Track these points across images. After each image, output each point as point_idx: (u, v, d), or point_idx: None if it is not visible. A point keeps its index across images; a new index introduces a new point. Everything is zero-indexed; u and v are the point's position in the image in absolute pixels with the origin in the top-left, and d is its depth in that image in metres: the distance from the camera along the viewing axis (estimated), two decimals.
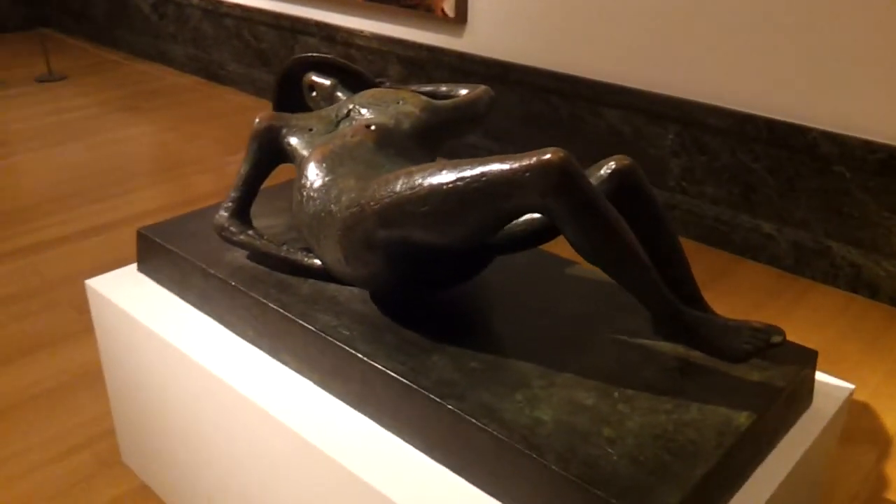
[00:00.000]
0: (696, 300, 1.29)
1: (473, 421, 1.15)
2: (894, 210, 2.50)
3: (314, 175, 1.34)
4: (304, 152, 1.45)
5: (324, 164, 1.34)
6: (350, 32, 3.96)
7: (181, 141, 3.96)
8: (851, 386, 1.43)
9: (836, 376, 1.46)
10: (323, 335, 1.33)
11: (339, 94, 1.64)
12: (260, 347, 1.47)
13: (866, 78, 2.46)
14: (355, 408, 1.31)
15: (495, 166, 1.06)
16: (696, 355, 1.28)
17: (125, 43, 5.59)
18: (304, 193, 1.34)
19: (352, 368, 1.30)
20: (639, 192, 1.21)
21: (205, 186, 3.41)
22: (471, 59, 3.47)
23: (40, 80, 4.77)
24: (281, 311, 1.40)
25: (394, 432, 1.26)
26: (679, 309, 1.15)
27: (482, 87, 1.68)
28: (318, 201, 1.31)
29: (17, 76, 4.96)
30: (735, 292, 2.67)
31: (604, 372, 1.25)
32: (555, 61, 3.21)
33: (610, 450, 1.10)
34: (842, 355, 2.32)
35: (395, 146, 1.40)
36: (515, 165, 1.05)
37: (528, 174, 1.03)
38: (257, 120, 1.50)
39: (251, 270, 1.52)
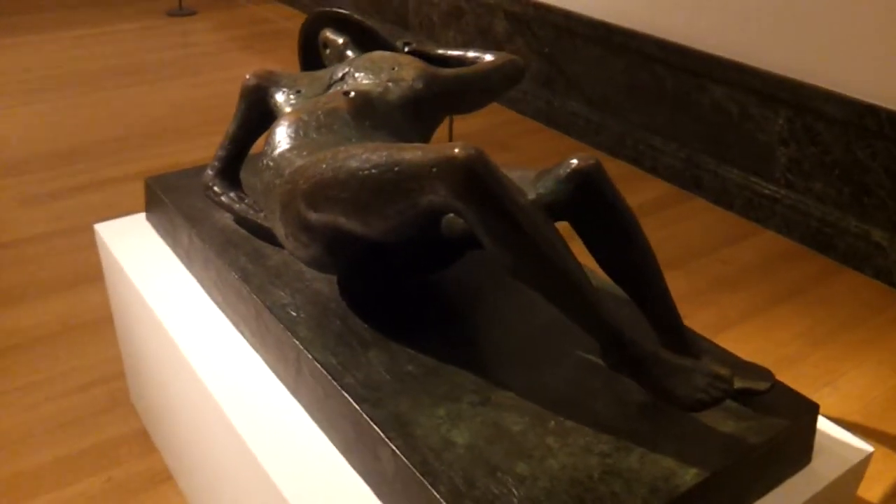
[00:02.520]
0: (674, 328, 1.10)
1: (379, 432, 1.04)
2: None
3: (276, 141, 1.25)
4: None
5: (288, 131, 1.25)
6: None
7: None
8: (869, 448, 1.19)
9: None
10: (268, 312, 1.26)
11: (350, 52, 1.54)
12: (225, 314, 1.42)
13: None
14: (291, 393, 1.24)
15: (408, 156, 0.93)
16: None
17: None
18: (264, 161, 1.26)
19: (289, 353, 1.22)
20: (602, 197, 1.03)
21: None
22: (576, 19, 3.24)
23: (171, 14, 4.96)
24: (239, 280, 1.34)
25: (319, 427, 1.18)
26: (623, 339, 0.97)
27: (506, 57, 1.52)
28: (271, 171, 1.22)
29: (149, 8, 5.17)
30: (829, 303, 2.37)
31: (550, 396, 1.10)
32: (663, 27, 2.93)
33: (514, 490, 0.96)
34: None
35: (375, 118, 1.28)
36: (425, 159, 0.91)
37: (434, 170, 0.90)
38: (247, 76, 1.43)
39: (232, 234, 1.47)
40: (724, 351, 1.21)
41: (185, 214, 1.53)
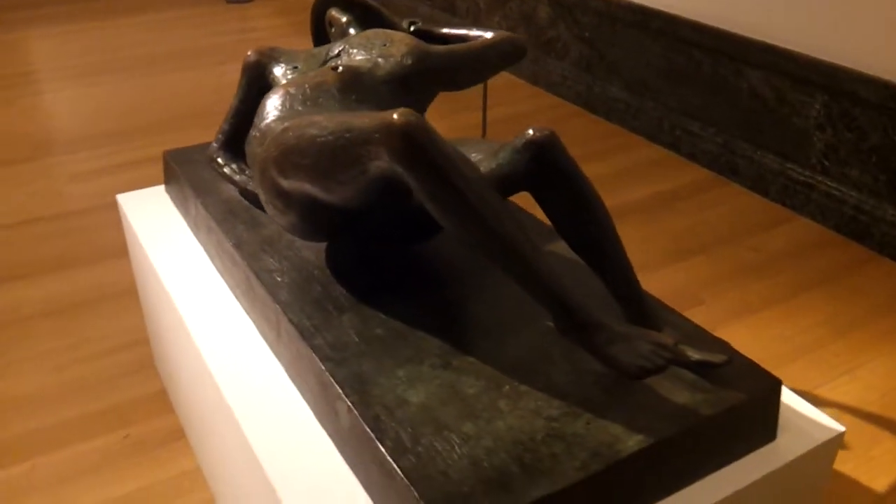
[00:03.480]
0: (633, 299, 1.11)
1: (338, 389, 1.09)
2: None
3: (264, 113, 1.30)
4: None
5: (276, 103, 1.30)
6: None
7: None
8: (840, 428, 1.18)
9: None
10: (255, 277, 1.32)
11: (352, 30, 1.58)
12: (224, 280, 1.49)
13: None
14: (273, 353, 1.30)
15: (357, 123, 0.97)
16: None
17: None
18: (252, 132, 1.32)
19: (270, 315, 1.28)
20: (557, 167, 1.05)
21: None
22: (616, 4, 3.21)
23: (230, 1, 5.10)
24: (233, 248, 1.41)
25: (294, 384, 1.24)
26: (569, 306, 0.99)
27: (503, 35, 1.54)
28: (256, 141, 1.27)
29: None
30: (858, 292, 2.31)
31: (510, 361, 1.13)
32: (700, 11, 2.88)
33: (457, 447, 0.99)
34: None
35: (362, 92, 1.32)
36: (370, 125, 0.95)
37: (377, 135, 0.93)
38: (249, 53, 1.49)
39: (234, 204, 1.54)
40: (688, 323, 1.21)
41: (194, 185, 1.60)
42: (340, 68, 1.35)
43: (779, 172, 2.73)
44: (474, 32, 1.59)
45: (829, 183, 2.58)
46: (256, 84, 1.48)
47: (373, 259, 1.35)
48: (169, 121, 3.47)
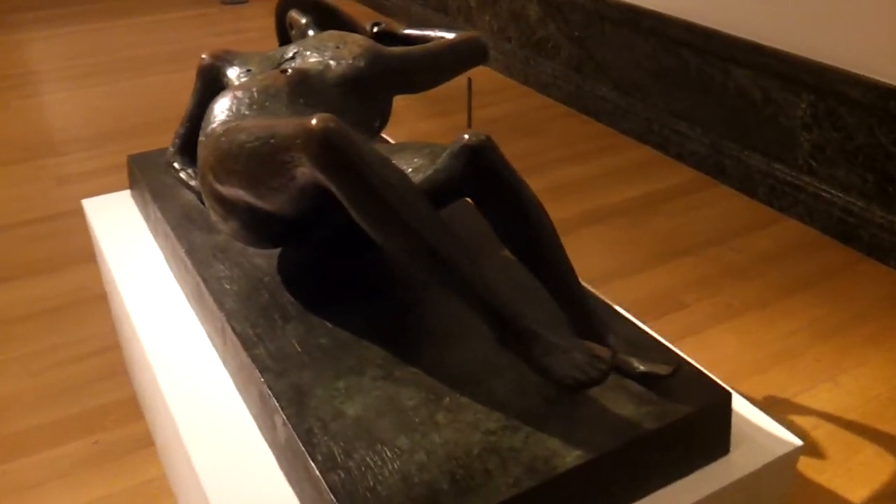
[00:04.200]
0: (577, 307, 1.08)
1: (275, 401, 1.07)
2: None
3: (211, 117, 1.28)
4: None
5: (222, 107, 1.27)
6: None
7: None
8: (798, 441, 1.15)
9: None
10: (203, 284, 1.30)
11: (311, 32, 1.56)
12: (179, 286, 1.47)
13: None
14: (221, 361, 1.28)
15: (281, 129, 0.95)
16: None
17: None
18: (200, 136, 1.29)
19: (217, 323, 1.26)
20: (493, 173, 1.02)
21: None
22: (605, 3, 3.17)
23: (224, 2, 5.09)
24: (185, 254, 1.38)
25: (239, 394, 1.21)
26: (503, 315, 0.96)
27: (463, 36, 1.51)
28: (202, 144, 1.25)
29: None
30: (843, 296, 2.26)
31: (454, 373, 1.11)
32: (689, 10, 2.84)
33: (389, 462, 0.97)
34: None
35: (311, 96, 1.30)
36: (292, 130, 0.92)
37: (298, 141, 0.91)
38: (203, 56, 1.47)
39: (191, 209, 1.52)
40: (636, 331, 1.18)
41: (153, 190, 1.58)
42: (289, 71, 1.32)
43: (766, 173, 2.68)
44: (437, 33, 1.56)
45: (816, 184, 2.53)
46: (211, 87, 1.46)
47: (323, 267, 1.33)
48: (161, 122, 3.45)
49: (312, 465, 0.97)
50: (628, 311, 2.28)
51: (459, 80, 1.67)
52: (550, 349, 0.96)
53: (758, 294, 2.28)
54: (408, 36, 1.58)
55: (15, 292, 2.35)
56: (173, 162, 1.51)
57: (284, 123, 0.95)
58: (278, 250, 1.38)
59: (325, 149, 0.88)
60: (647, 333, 1.19)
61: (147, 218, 1.64)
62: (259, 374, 1.11)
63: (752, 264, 2.42)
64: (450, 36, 1.53)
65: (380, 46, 1.41)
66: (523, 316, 0.98)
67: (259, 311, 1.24)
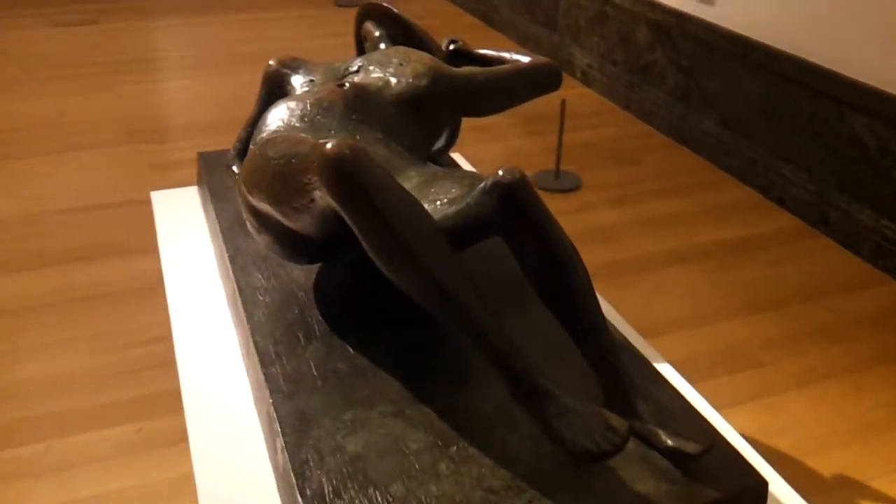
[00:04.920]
0: (607, 365, 0.99)
1: (277, 425, 1.03)
2: None
3: (263, 126, 1.26)
4: None
5: (274, 118, 1.25)
6: None
7: None
8: None
9: None
10: (238, 292, 1.29)
11: (382, 45, 1.53)
12: (224, 290, 1.46)
13: None
14: (245, 372, 1.26)
15: (303, 149, 0.91)
16: None
17: None
18: (251, 144, 1.27)
19: (244, 334, 1.24)
20: (524, 213, 0.94)
21: None
22: (716, 32, 3.02)
23: (339, 4, 5.17)
24: (227, 259, 1.38)
25: (256, 412, 1.19)
26: (514, 370, 0.89)
27: (536, 62, 1.44)
28: (249, 152, 1.23)
29: None
30: None
31: (467, 418, 1.04)
32: (805, 47, 2.66)
33: None
34: None
35: (365, 112, 1.26)
36: (310, 152, 0.88)
37: (314, 164, 0.86)
38: (270, 62, 1.46)
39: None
40: (674, 398, 1.08)
41: (213, 190, 1.59)
42: (346, 85, 1.29)
43: (874, 229, 2.48)
44: (512, 56, 1.50)
45: None
46: (275, 94, 1.45)
47: (358, 288, 1.29)
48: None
49: (299, 498, 0.92)
50: (697, 363, 2.13)
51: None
52: (564, 412, 0.88)
53: (846, 361, 2.10)
54: (483, 56, 1.53)
55: (89, 272, 2.43)
56: (232, 165, 1.51)
57: (308, 143, 0.91)
58: (319, 265, 1.35)
59: (338, 175, 0.84)
60: (684, 402, 1.08)
61: (207, 216, 1.65)
62: (269, 394, 1.08)
63: (844, 327, 2.23)
64: (524, 60, 1.47)
65: (443, 66, 1.36)
66: (538, 372, 0.90)
67: (285, 327, 1.21)
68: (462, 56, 1.56)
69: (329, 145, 0.86)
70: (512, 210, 0.95)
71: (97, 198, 2.86)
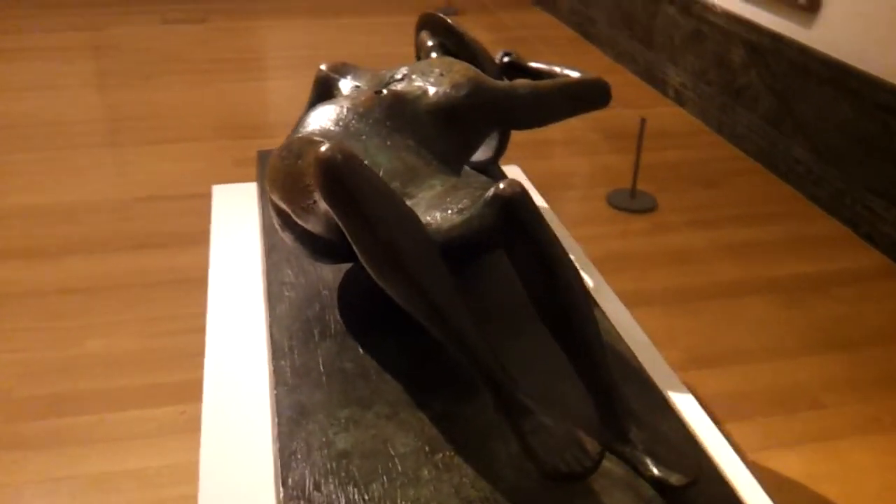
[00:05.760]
0: (600, 387, 0.97)
1: (276, 414, 1.06)
2: None
3: (301, 126, 1.30)
4: None
5: (312, 120, 1.29)
6: (704, 6, 3.57)
7: None
8: None
9: None
10: (265, 285, 1.33)
11: (434, 55, 1.55)
12: (262, 284, 1.51)
13: None
14: (266, 363, 1.30)
15: (308, 149, 0.93)
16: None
17: None
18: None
19: (268, 326, 1.28)
20: (522, 229, 0.93)
21: None
22: (812, 56, 2.89)
23: (440, 12, 5.22)
24: (263, 256, 1.42)
25: (270, 405, 1.22)
26: (496, 381, 0.89)
27: (587, 78, 1.43)
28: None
29: (420, 5, 5.48)
30: None
31: (461, 428, 1.04)
32: None
33: None
34: None
35: (399, 120, 1.27)
36: (309, 152, 0.90)
37: (310, 167, 0.89)
38: (321, 66, 1.50)
39: None
40: (675, 427, 1.04)
41: (265, 187, 1.65)
42: (384, 93, 1.31)
43: None
44: (563, 71, 1.49)
45: None
46: (324, 98, 1.49)
47: (380, 289, 1.30)
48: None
49: (281, 487, 0.95)
50: (753, 398, 2.03)
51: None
52: (538, 428, 0.87)
53: None
54: (535, 69, 1.53)
55: (161, 259, 2.56)
56: None
57: (315, 144, 0.94)
58: (349, 264, 1.38)
59: (328, 179, 0.86)
60: (686, 433, 1.05)
61: (260, 212, 1.71)
62: (274, 385, 1.11)
63: None
64: (573, 75, 1.46)
65: (484, 78, 1.36)
66: (517, 387, 0.89)
67: (303, 322, 1.24)
68: (515, 69, 1.56)
69: (323, 148, 0.88)
70: (511, 224, 0.94)
71: (178, 188, 3.01)
